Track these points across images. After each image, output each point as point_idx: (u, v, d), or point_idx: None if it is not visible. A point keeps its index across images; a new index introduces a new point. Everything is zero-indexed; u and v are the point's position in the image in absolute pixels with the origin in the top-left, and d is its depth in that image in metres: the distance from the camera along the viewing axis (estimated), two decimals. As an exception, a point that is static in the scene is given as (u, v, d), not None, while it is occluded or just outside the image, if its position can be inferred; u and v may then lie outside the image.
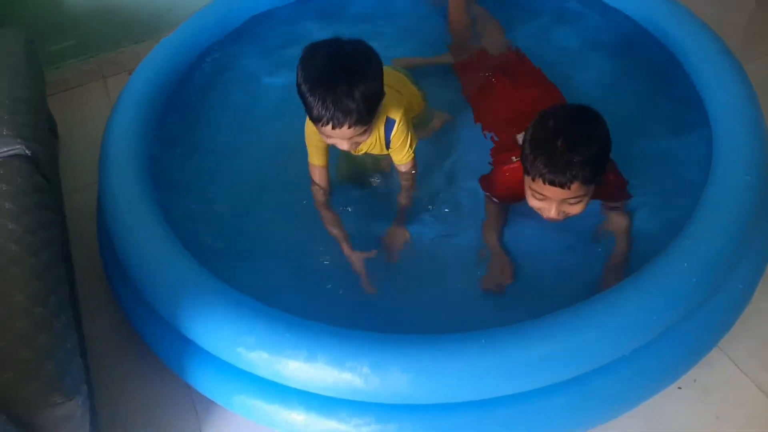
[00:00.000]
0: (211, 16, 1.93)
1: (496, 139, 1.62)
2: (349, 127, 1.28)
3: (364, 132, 1.33)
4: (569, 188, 1.24)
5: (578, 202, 1.30)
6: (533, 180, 1.28)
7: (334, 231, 1.47)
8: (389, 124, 1.44)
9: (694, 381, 1.37)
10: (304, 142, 1.49)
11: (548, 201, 1.30)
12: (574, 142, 1.23)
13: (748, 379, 1.37)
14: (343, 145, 1.35)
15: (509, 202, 1.50)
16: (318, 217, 1.51)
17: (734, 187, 1.31)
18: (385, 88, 1.36)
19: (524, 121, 1.39)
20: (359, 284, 1.40)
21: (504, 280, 1.39)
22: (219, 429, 1.37)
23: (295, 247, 1.49)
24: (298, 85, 1.30)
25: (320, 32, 1.91)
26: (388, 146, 1.48)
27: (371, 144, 1.47)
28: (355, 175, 1.64)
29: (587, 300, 1.17)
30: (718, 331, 1.32)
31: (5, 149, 1.42)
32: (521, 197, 1.39)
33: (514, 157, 1.44)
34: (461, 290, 1.40)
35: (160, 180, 1.49)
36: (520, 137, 1.44)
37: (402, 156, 1.49)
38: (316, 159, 1.50)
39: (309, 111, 1.29)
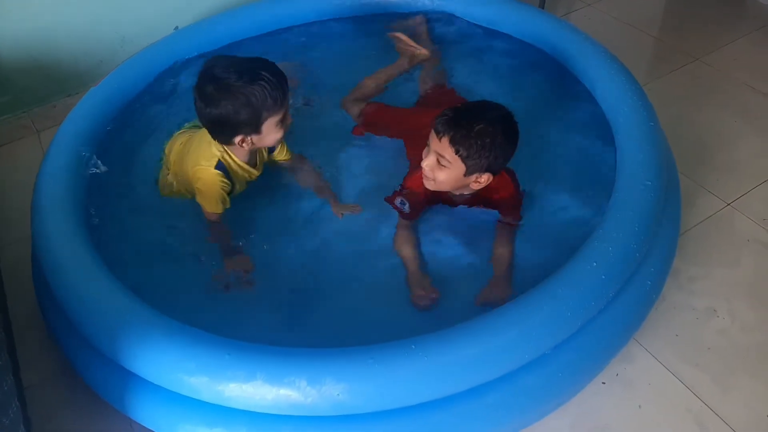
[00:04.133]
0: (138, 65, 1.98)
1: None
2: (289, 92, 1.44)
3: None
4: (440, 139, 1.40)
5: (443, 168, 1.43)
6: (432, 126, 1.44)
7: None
8: None
9: (617, 375, 1.46)
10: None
11: (428, 150, 1.45)
12: (479, 118, 1.40)
13: (666, 370, 1.47)
14: (287, 119, 1.48)
15: (427, 198, 1.59)
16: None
17: (635, 191, 1.44)
18: None
19: None
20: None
21: (432, 294, 1.45)
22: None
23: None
24: (232, 96, 1.37)
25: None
26: (272, 150, 1.64)
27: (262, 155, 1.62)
28: None
29: (509, 303, 1.26)
30: (631, 326, 1.43)
31: (-64, 203, 1.43)
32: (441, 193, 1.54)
33: None
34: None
35: (90, 221, 1.53)
36: None
37: (285, 151, 1.65)
38: (221, 206, 1.55)
39: (260, 104, 1.38)
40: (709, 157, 1.98)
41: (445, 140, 1.40)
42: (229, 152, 1.52)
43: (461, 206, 1.60)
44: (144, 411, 1.30)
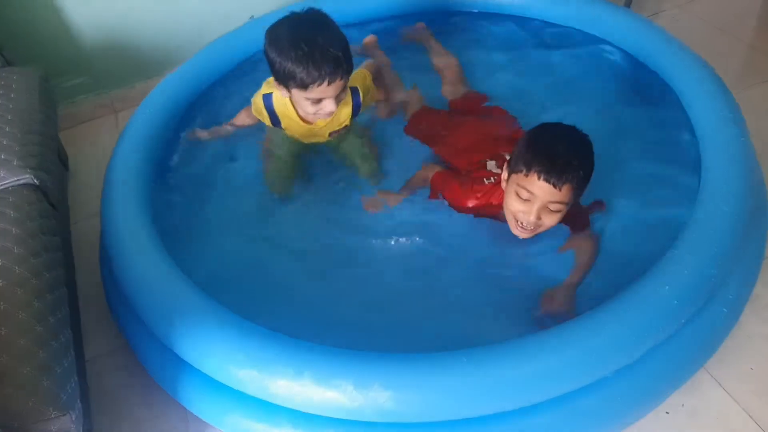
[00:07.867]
0: (213, 53, 2.02)
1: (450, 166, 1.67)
2: (341, 79, 1.39)
3: (346, 86, 1.45)
4: (560, 189, 1.29)
5: (558, 211, 1.34)
6: (526, 176, 1.30)
7: None
8: (354, 93, 1.59)
9: (682, 405, 1.38)
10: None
11: (531, 203, 1.32)
12: (575, 148, 1.32)
13: (735, 404, 1.37)
14: (330, 106, 1.44)
15: (463, 211, 1.53)
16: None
17: (718, 211, 1.33)
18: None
19: (486, 147, 1.53)
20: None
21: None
22: (212, 449, 1.40)
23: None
24: (279, 69, 1.40)
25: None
26: (357, 112, 1.61)
27: (337, 117, 1.58)
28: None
29: (570, 320, 1.20)
30: (703, 354, 1.34)
31: (15, 179, 1.49)
32: (483, 213, 1.49)
33: (486, 179, 1.50)
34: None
35: (157, 205, 1.55)
36: (490, 164, 1.51)
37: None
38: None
39: (300, 80, 1.38)
40: (801, 177, 1.83)
41: (567, 188, 1.29)
42: (282, 95, 1.54)
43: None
44: (194, 398, 1.32)
